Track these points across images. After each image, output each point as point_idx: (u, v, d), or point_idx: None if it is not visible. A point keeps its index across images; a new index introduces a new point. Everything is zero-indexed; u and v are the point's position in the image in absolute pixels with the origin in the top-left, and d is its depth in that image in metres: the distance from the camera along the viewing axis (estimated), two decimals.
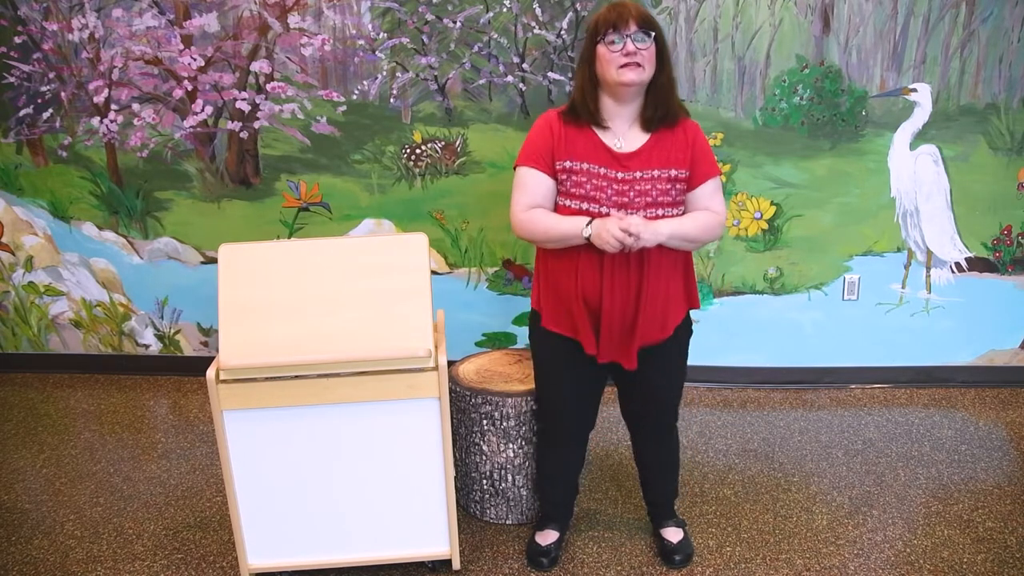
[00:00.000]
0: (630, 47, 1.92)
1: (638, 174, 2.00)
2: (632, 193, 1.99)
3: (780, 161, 3.20)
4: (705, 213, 2.05)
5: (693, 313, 2.21)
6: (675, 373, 2.23)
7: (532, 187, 2.05)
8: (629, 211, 1.99)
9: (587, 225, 1.96)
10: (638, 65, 1.93)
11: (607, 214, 1.98)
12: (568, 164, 2.02)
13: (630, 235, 1.89)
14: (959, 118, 3.12)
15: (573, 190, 2.02)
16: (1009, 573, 2.25)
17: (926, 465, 2.83)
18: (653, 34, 1.94)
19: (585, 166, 2.01)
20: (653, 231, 1.94)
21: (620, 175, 2.00)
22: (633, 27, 1.92)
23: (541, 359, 2.25)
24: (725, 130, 3.17)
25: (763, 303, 3.38)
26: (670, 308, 2.10)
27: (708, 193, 2.06)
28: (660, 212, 2.01)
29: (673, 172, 2.01)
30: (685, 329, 2.17)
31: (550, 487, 2.38)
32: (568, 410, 2.25)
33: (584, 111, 2.02)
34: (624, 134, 2.03)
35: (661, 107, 2.01)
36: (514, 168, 2.10)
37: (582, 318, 2.07)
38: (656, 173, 2.00)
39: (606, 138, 2.03)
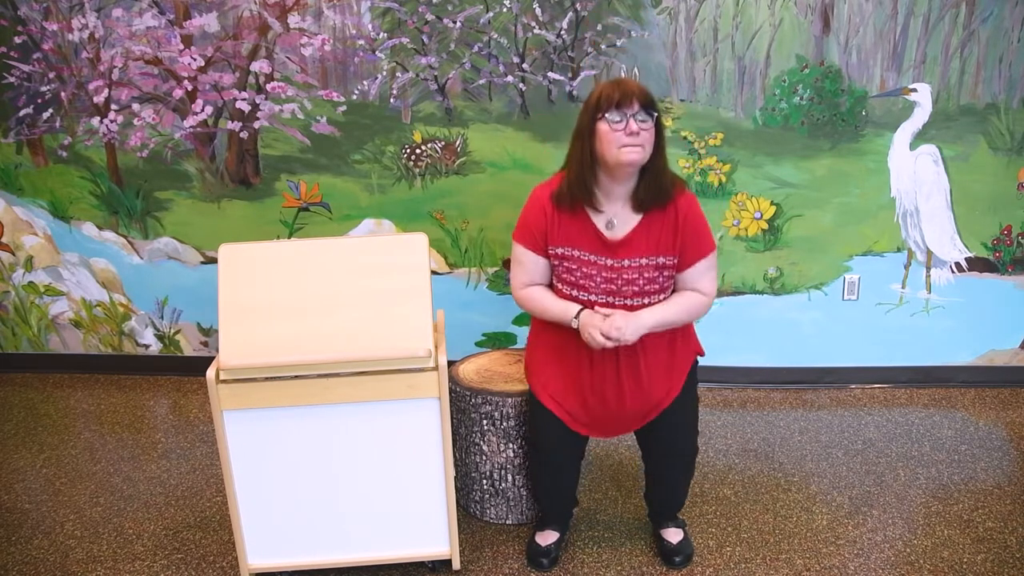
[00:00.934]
0: (633, 127, 1.90)
1: (626, 262, 2.03)
2: (620, 281, 2.04)
3: (780, 161, 3.20)
4: (692, 295, 2.09)
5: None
6: (688, 418, 2.23)
7: (528, 266, 2.13)
8: (617, 299, 2.04)
9: (575, 316, 2.03)
10: (640, 146, 1.92)
11: (596, 301, 2.05)
12: (560, 251, 2.07)
13: (611, 338, 1.96)
14: (959, 118, 3.12)
15: (564, 275, 2.08)
16: (1009, 573, 2.25)
17: (926, 465, 2.83)
18: (655, 114, 1.94)
19: (576, 253, 2.05)
20: (636, 327, 1.98)
21: (610, 262, 2.04)
22: (636, 106, 1.91)
23: (529, 401, 2.28)
24: (725, 130, 3.17)
25: (763, 303, 3.38)
26: (669, 381, 2.14)
27: (697, 274, 2.08)
28: (646, 301, 2.05)
29: (661, 260, 2.04)
30: (692, 380, 2.20)
31: (546, 499, 2.38)
32: (552, 455, 2.25)
33: (580, 191, 2.02)
34: (616, 213, 2.05)
35: (653, 189, 2.01)
36: (512, 237, 2.15)
37: (566, 389, 2.15)
38: (644, 261, 2.03)
39: (598, 220, 2.05)
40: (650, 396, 2.11)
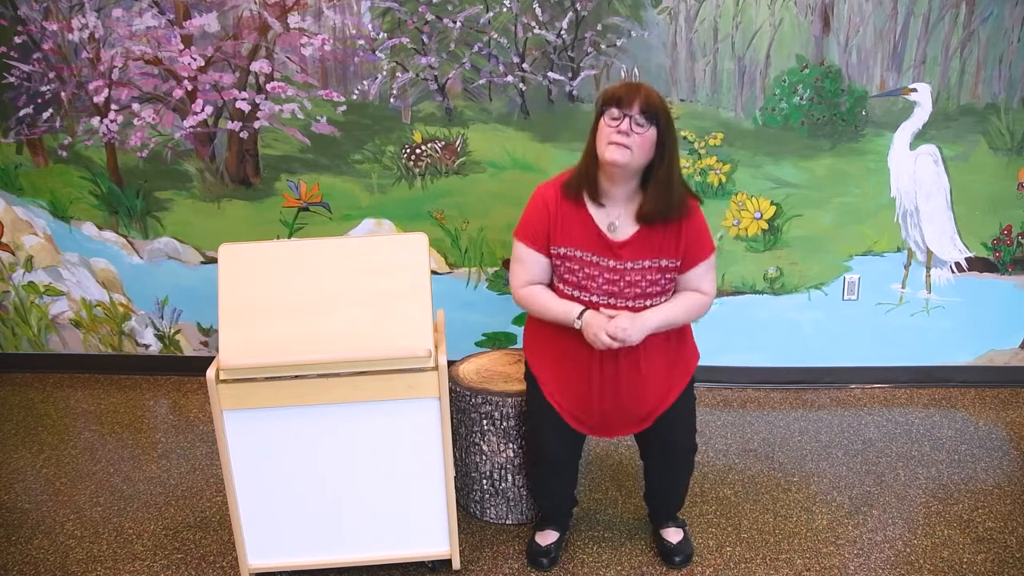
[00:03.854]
0: (624, 127, 1.90)
1: (629, 264, 2.03)
2: (622, 283, 2.04)
3: (780, 161, 3.20)
4: (693, 295, 2.10)
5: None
6: (687, 419, 2.23)
7: (529, 265, 2.11)
8: (619, 300, 2.03)
9: (578, 317, 2.02)
10: (624, 147, 1.91)
11: (598, 303, 2.04)
12: (562, 251, 2.06)
13: (617, 339, 1.96)
14: (959, 118, 3.11)
15: (566, 276, 2.07)
16: (1009, 573, 2.25)
17: (926, 465, 2.83)
18: (654, 123, 1.92)
19: (578, 253, 2.05)
20: (640, 328, 1.99)
21: (612, 263, 2.03)
22: (635, 109, 1.90)
23: (529, 398, 2.27)
24: (725, 130, 3.17)
25: (763, 303, 3.38)
26: (669, 381, 2.14)
27: (698, 276, 2.10)
28: (648, 303, 2.05)
29: (664, 262, 2.05)
30: (689, 388, 2.20)
31: (545, 499, 2.38)
32: (551, 453, 2.25)
33: (584, 182, 2.03)
34: (619, 216, 2.04)
35: (661, 203, 1.99)
36: (513, 235, 2.13)
37: (567, 389, 2.14)
38: (647, 264, 2.04)
39: (600, 219, 2.04)
40: (649, 398, 2.12)
